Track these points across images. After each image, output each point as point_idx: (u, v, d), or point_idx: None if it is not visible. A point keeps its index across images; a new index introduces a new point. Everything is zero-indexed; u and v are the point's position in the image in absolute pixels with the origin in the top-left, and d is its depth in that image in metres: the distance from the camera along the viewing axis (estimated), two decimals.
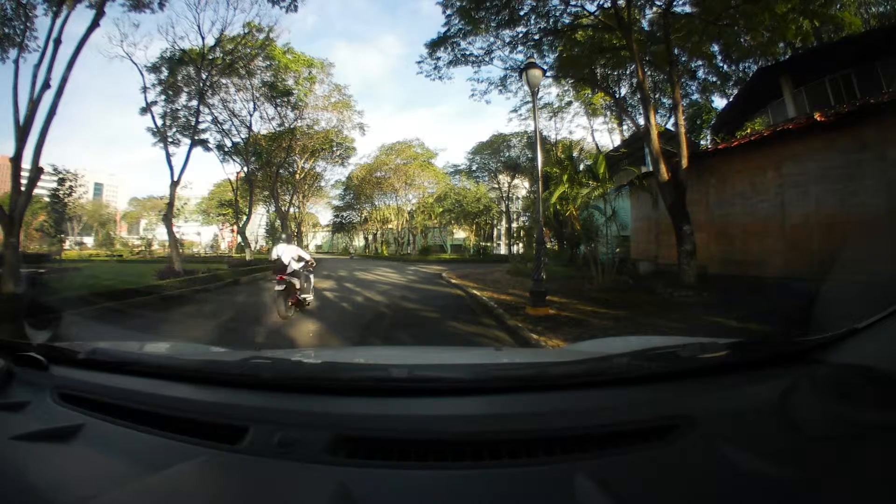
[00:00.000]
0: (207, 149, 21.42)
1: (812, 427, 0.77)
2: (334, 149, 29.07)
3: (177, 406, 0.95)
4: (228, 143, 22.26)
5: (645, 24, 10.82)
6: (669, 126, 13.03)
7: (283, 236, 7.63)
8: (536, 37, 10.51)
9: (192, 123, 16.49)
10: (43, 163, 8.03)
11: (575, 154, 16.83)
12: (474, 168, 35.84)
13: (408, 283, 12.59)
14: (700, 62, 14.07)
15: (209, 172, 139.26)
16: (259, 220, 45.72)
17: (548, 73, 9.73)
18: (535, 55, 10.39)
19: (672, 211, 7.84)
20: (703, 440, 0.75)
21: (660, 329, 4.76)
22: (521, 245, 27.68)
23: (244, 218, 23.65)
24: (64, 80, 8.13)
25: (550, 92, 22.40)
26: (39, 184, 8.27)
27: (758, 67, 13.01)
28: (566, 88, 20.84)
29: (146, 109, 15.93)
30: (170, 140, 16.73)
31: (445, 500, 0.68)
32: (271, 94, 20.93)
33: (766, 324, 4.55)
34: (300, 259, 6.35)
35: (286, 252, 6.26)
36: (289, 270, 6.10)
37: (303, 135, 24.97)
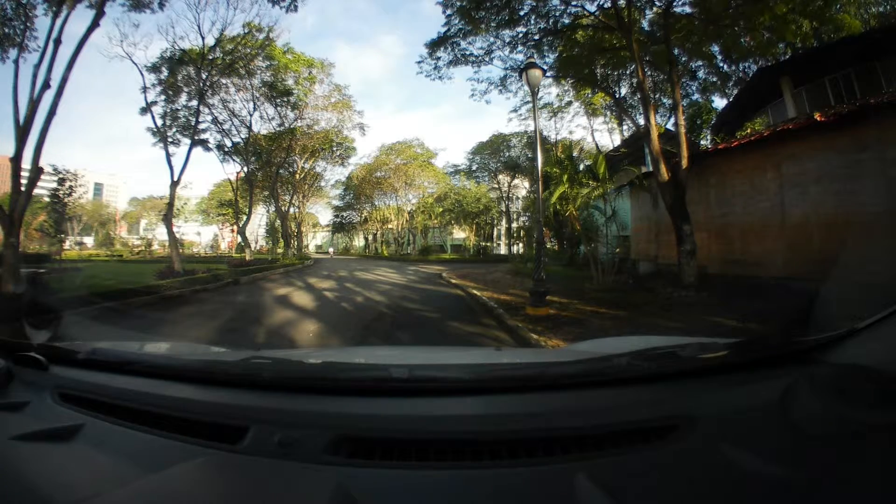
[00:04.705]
0: (207, 149, 21.42)
1: (812, 427, 0.77)
2: (334, 149, 29.09)
3: (177, 406, 0.95)
4: (228, 143, 22.25)
5: (645, 24, 10.81)
6: (669, 126, 13.04)
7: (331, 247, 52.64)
8: (536, 37, 10.51)
9: (192, 123, 16.43)
10: (43, 163, 8.00)
11: (575, 154, 16.81)
12: (474, 168, 35.87)
13: (408, 282, 12.58)
14: (700, 62, 14.07)
15: (209, 172, 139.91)
16: (259, 220, 45.72)
17: (548, 73, 9.72)
18: (535, 55, 10.36)
19: (672, 211, 7.83)
20: (703, 440, 0.75)
21: (660, 329, 4.76)
22: (521, 245, 27.70)
23: (244, 218, 23.60)
24: (64, 80, 8.11)
25: (550, 92, 22.42)
26: (39, 184, 8.24)
27: (758, 67, 13.01)
28: (566, 88, 20.84)
29: (146, 109, 15.89)
30: (170, 140, 16.69)
31: (446, 500, 0.68)
32: (271, 94, 20.91)
33: (766, 324, 4.56)
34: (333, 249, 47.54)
35: (330, 248, 50.00)
36: (332, 251, 45.84)
37: (303, 135, 24.95)
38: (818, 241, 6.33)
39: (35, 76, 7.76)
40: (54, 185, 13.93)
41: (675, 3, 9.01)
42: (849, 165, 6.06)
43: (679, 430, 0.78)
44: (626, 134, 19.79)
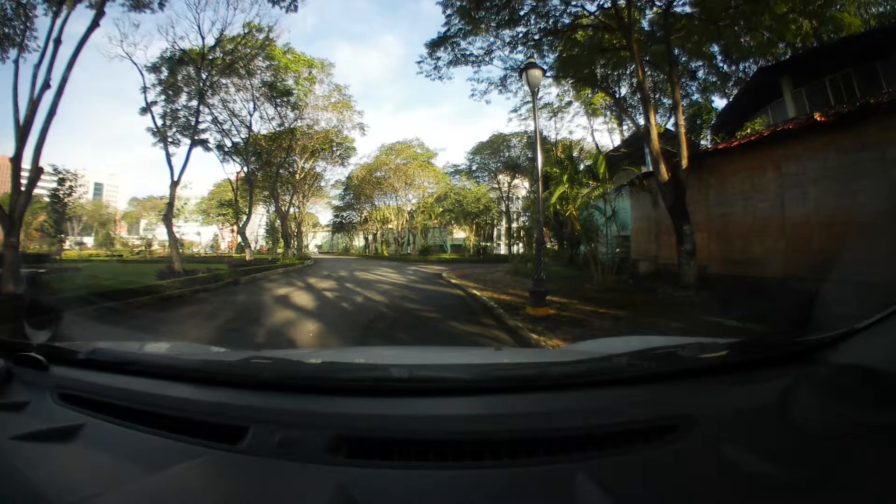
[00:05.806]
0: (207, 149, 21.43)
1: (812, 427, 0.77)
2: (334, 149, 29.10)
3: (177, 406, 0.95)
4: (228, 143, 22.30)
5: (645, 24, 10.82)
6: (669, 126, 13.02)
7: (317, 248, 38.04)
8: (536, 37, 10.50)
9: (192, 123, 16.43)
10: (43, 163, 8.02)
11: (575, 154, 16.84)
12: (474, 168, 35.83)
13: (408, 282, 12.58)
14: (700, 62, 14.08)
15: (209, 172, 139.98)
16: (259, 220, 45.78)
17: (548, 73, 9.71)
18: (535, 55, 10.37)
19: (672, 211, 7.83)
20: (703, 440, 0.75)
21: (660, 329, 4.76)
22: (521, 245, 27.70)
23: (244, 218, 23.63)
24: (64, 80, 8.12)
25: (550, 92, 22.40)
26: (39, 184, 8.25)
27: (758, 67, 13.01)
28: (566, 88, 20.83)
29: (146, 109, 15.90)
30: (170, 140, 16.69)
31: (445, 500, 0.68)
32: (271, 94, 20.93)
33: (766, 324, 4.55)
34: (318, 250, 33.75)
35: (315, 249, 29.12)
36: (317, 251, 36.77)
37: (303, 135, 24.97)
38: (818, 241, 6.33)
39: (35, 76, 7.77)
40: (54, 185, 13.96)
41: (675, 3, 9.01)
42: (849, 165, 6.06)
43: (679, 430, 0.78)
44: (626, 134, 19.79)
